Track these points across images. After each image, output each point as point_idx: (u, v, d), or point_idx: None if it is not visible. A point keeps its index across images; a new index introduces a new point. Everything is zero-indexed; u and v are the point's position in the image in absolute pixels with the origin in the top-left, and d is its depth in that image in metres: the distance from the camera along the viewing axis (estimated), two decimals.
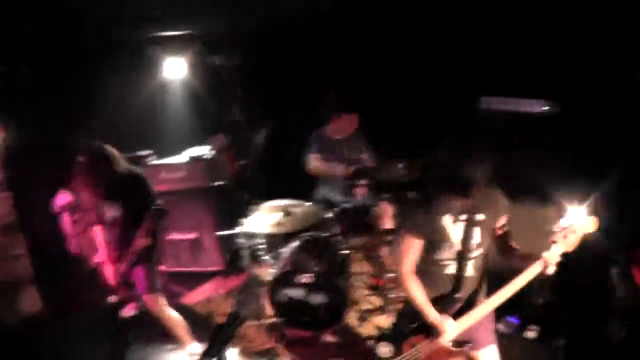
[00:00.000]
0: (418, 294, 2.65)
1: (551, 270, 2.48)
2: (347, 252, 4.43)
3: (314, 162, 4.80)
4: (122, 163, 3.66)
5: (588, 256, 2.49)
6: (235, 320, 2.33)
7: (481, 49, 4.79)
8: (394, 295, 4.35)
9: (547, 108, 4.05)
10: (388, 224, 4.57)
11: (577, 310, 3.95)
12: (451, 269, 2.66)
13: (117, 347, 4.06)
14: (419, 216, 2.66)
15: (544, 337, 3.94)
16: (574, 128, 4.09)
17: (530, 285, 3.39)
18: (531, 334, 4.00)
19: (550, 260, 2.45)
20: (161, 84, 5.52)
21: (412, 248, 2.67)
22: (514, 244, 2.71)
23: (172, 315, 3.80)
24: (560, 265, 2.49)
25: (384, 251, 4.82)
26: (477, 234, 2.60)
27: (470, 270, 2.65)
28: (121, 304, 3.76)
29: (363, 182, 4.63)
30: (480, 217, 2.60)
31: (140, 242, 3.54)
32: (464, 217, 2.60)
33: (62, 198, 4.02)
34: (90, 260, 3.91)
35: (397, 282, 4.23)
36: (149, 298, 3.69)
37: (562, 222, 2.44)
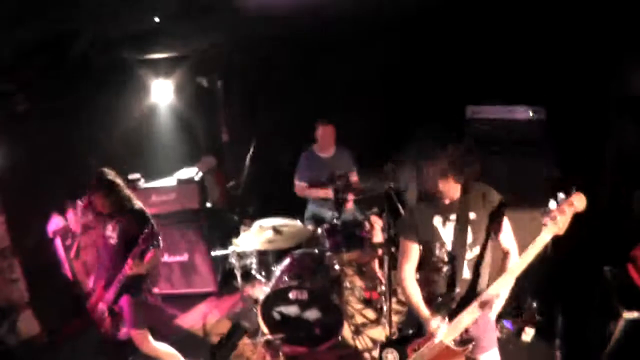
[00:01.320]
0: (413, 294, 2.74)
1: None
2: (339, 267, 4.46)
3: (298, 189, 5.14)
4: (124, 192, 3.68)
5: (583, 255, 2.46)
6: (237, 331, 2.34)
7: (469, 55, 4.91)
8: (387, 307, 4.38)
9: (534, 114, 4.12)
10: (378, 237, 4.63)
11: (571, 311, 4.01)
12: (447, 270, 2.72)
13: None
14: (409, 219, 2.78)
15: (539, 340, 4.01)
16: (560, 133, 4.19)
17: (524, 289, 3.43)
18: (526, 337, 4.06)
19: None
20: (149, 106, 5.54)
21: (409, 252, 2.78)
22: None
23: (160, 349, 3.76)
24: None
25: (375, 264, 4.87)
26: (469, 234, 2.65)
27: (466, 272, 2.69)
28: (107, 333, 3.72)
29: (350, 197, 4.71)
30: (471, 215, 2.64)
31: (129, 267, 3.49)
32: (453, 217, 2.66)
33: (55, 223, 4.02)
34: (83, 286, 3.89)
35: (387, 292, 4.31)
36: (135, 334, 3.65)
37: (550, 205, 2.37)
